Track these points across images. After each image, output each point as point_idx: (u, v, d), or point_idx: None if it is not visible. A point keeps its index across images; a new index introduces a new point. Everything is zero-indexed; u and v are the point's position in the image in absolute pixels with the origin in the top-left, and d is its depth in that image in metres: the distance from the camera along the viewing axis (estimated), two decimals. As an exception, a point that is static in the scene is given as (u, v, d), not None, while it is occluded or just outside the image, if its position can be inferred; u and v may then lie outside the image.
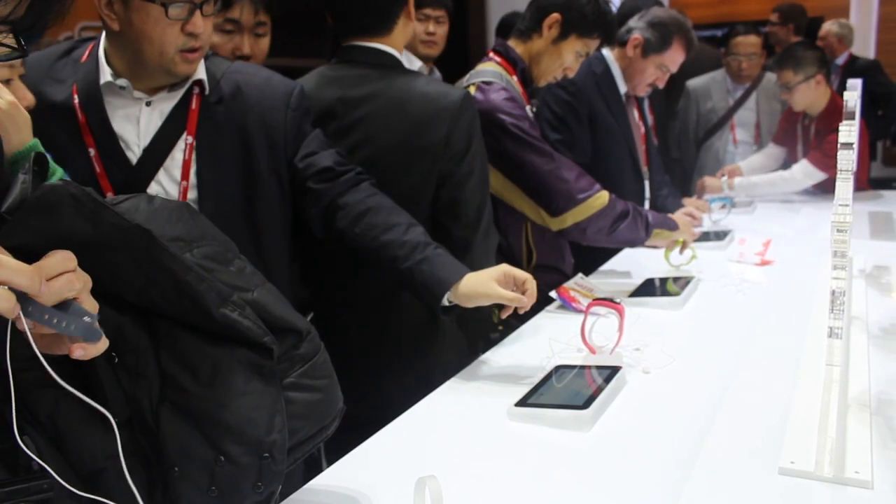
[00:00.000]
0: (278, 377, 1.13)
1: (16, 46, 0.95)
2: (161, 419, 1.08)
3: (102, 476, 1.04)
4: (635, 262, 2.96)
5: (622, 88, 3.42)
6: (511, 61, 2.76)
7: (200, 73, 1.93)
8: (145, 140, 1.89)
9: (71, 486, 0.99)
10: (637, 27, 3.35)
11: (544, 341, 2.16)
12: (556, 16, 2.72)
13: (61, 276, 0.90)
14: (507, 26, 4.33)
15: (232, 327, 1.08)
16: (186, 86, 1.92)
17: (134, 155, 1.89)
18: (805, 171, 4.22)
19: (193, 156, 1.90)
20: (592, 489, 1.40)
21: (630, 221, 2.65)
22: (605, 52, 3.39)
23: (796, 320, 2.23)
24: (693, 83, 5.15)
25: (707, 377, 1.88)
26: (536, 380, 1.84)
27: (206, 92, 1.93)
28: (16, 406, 0.98)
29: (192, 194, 1.91)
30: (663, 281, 2.66)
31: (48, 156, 1.39)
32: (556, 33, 2.73)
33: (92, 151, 1.86)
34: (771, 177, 4.37)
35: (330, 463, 1.54)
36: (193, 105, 1.92)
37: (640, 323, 2.27)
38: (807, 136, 4.40)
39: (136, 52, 1.82)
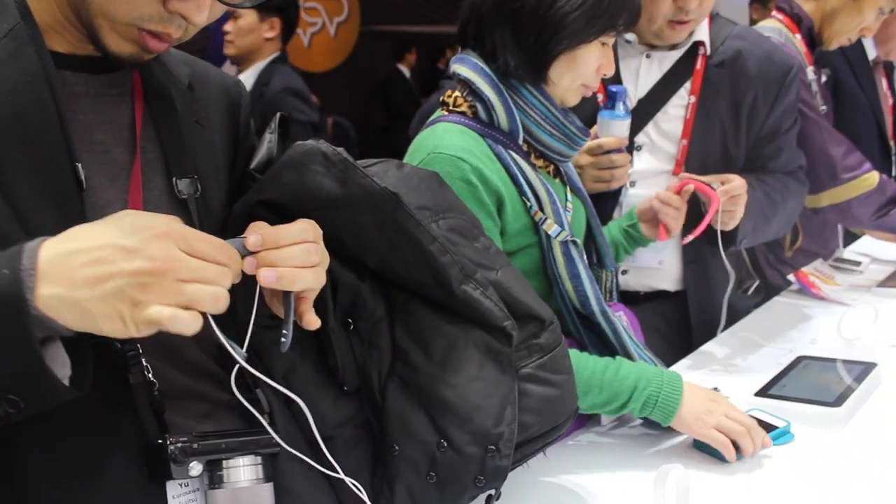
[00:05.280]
0: (514, 366, 1.06)
1: None
2: (388, 394, 1.05)
3: (330, 444, 1.02)
4: (882, 249, 2.67)
5: (871, 53, 3.09)
6: (795, 18, 2.52)
7: (702, 34, 1.97)
8: (642, 91, 1.97)
9: (297, 448, 0.97)
10: (899, -16, 3.00)
11: (781, 327, 2.00)
12: None
13: (296, 246, 0.87)
14: None
15: (472, 306, 1.03)
16: (688, 44, 1.97)
17: (630, 104, 1.94)
18: None
19: (695, 116, 1.95)
20: (844, 493, 1.28)
21: None
22: (853, 12, 3.06)
23: None
24: None
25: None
26: (776, 369, 1.70)
27: (708, 53, 1.97)
28: (253, 362, 0.98)
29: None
30: (921, 270, 2.39)
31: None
32: None
33: (600, 97, 1.91)
34: None
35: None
36: (698, 65, 1.97)
37: (895, 316, 2.02)
38: None
39: None
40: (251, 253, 0.85)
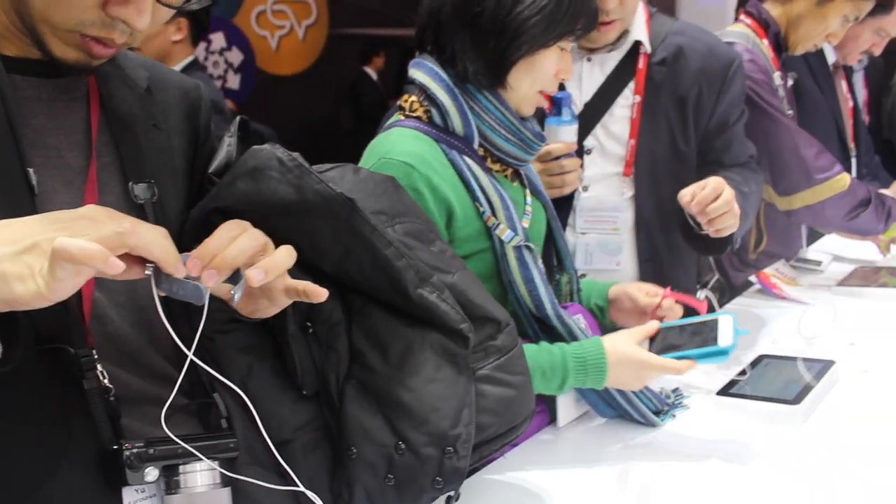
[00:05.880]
0: (471, 367, 1.06)
1: None
2: (345, 397, 1.05)
3: (288, 447, 1.02)
4: (843, 248, 2.71)
5: (830, 57, 3.12)
6: (763, 23, 2.53)
7: (640, 33, 1.97)
8: (587, 95, 1.97)
9: (256, 452, 0.97)
10: (854, -14, 3.03)
11: (744, 327, 1.98)
12: None
13: (238, 239, 0.86)
14: None
15: (429, 310, 1.03)
16: (628, 45, 1.96)
17: (576, 108, 1.92)
18: None
19: (640, 116, 1.95)
20: (804, 488, 1.29)
21: (871, 210, 2.36)
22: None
23: None
24: None
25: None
26: (738, 367, 1.72)
27: (649, 51, 1.97)
28: (210, 366, 0.98)
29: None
30: (877, 270, 2.42)
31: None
32: None
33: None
34: None
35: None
36: (641, 64, 1.97)
37: (853, 315, 2.07)
38: None
39: None
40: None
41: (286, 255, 0.89)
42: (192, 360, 0.84)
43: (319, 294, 0.91)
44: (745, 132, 2.31)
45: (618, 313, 1.65)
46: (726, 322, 1.42)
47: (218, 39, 7.17)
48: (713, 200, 1.68)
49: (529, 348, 1.40)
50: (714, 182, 1.72)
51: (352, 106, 8.09)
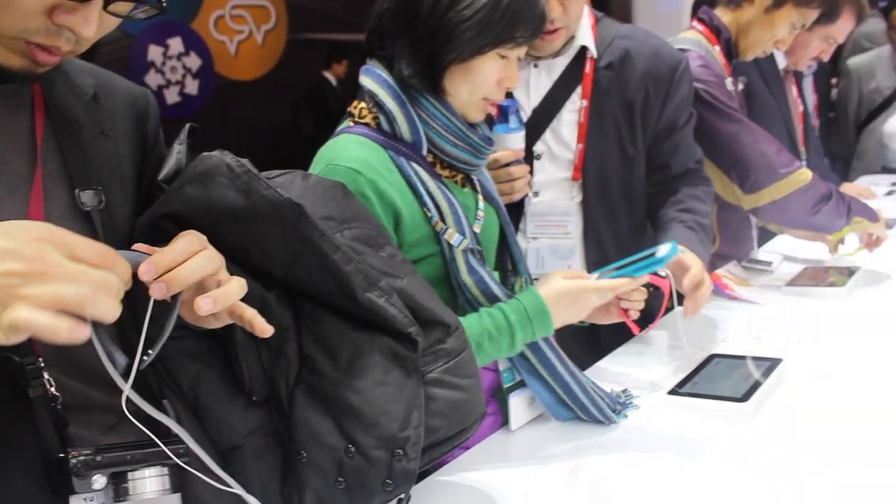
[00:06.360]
0: (420, 371, 1.07)
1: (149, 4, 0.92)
2: (295, 402, 1.05)
3: (238, 453, 1.03)
4: (793, 248, 2.77)
5: (781, 63, 3.18)
6: (715, 30, 2.58)
7: (585, 39, 1.98)
8: (535, 100, 1.99)
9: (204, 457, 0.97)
10: (802, -6, 3.09)
11: (695, 327, 2.03)
12: None
13: (191, 259, 0.86)
14: None
15: (377, 313, 1.04)
16: (574, 50, 1.98)
17: (524, 115, 1.96)
18: None
19: (588, 120, 1.97)
20: (751, 485, 1.31)
21: (833, 205, 2.39)
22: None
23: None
24: (855, 62, 4.75)
25: (878, 377, 1.72)
26: (689, 367, 1.75)
27: (595, 56, 1.98)
28: (158, 372, 0.98)
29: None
30: (825, 270, 2.47)
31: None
32: (770, 1, 2.52)
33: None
34: None
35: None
36: (588, 69, 1.98)
37: (802, 314, 2.12)
38: None
39: None
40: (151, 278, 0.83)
41: (237, 287, 0.89)
42: (137, 371, 0.83)
43: (264, 330, 0.92)
44: (708, 136, 2.36)
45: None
46: (665, 247, 1.51)
47: (175, 44, 7.09)
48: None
49: (471, 317, 1.43)
50: (695, 277, 1.73)
51: (310, 112, 8.06)
